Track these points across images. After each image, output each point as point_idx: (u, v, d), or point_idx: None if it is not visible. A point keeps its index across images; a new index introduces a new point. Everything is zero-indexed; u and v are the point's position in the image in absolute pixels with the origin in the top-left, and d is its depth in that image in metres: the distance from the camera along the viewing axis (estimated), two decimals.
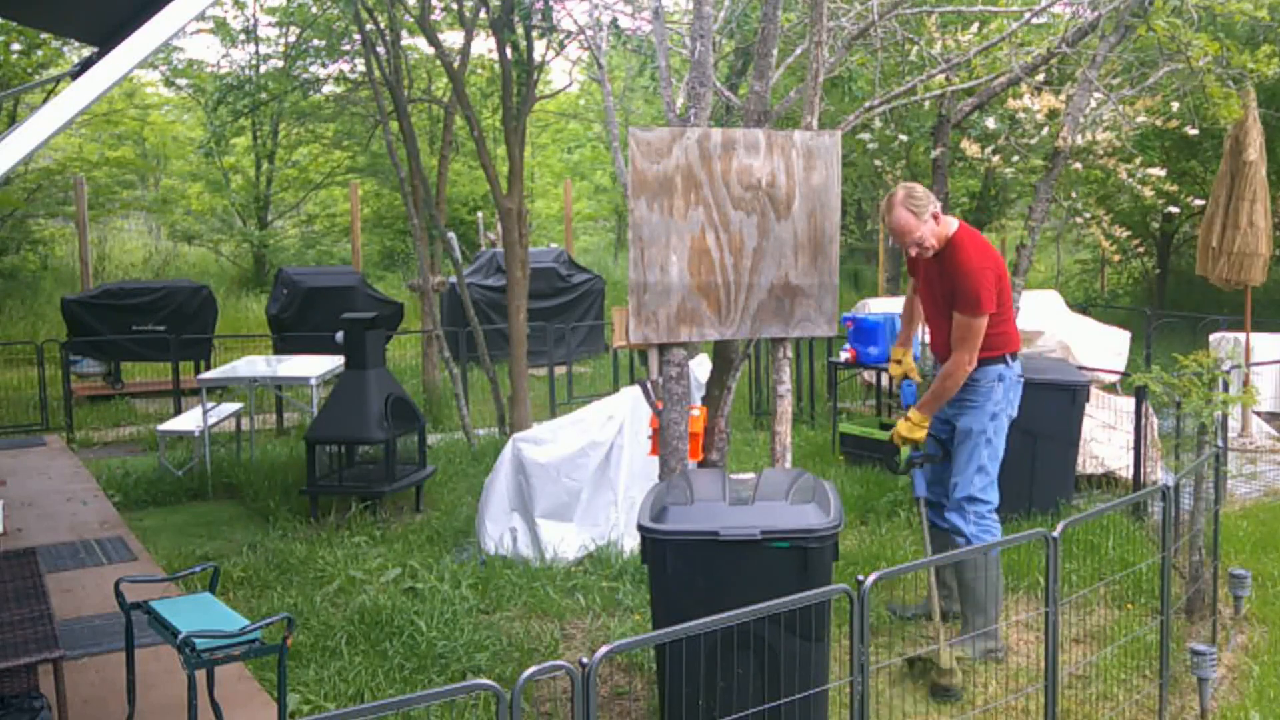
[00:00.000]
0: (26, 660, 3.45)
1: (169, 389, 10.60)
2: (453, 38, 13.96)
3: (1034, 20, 6.20)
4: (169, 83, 20.07)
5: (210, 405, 8.60)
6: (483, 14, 9.39)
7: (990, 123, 6.34)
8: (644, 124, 12.97)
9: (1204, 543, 5.14)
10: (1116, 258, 12.10)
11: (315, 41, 12.83)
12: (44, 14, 5.35)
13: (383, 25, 9.77)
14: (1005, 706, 4.43)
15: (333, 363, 8.54)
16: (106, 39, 3.99)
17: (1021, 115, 6.21)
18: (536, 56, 9.14)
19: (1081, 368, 7.61)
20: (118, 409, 10.99)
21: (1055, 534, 3.63)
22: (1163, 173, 6.78)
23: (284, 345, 11.24)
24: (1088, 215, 7.20)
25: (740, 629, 3.48)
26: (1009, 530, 6.31)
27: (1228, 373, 6.20)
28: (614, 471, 6.32)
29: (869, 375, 10.31)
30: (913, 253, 4.90)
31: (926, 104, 6.55)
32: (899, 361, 5.36)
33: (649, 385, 4.87)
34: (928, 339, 5.28)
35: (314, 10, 12.60)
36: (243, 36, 18.87)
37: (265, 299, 15.57)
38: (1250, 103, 7.93)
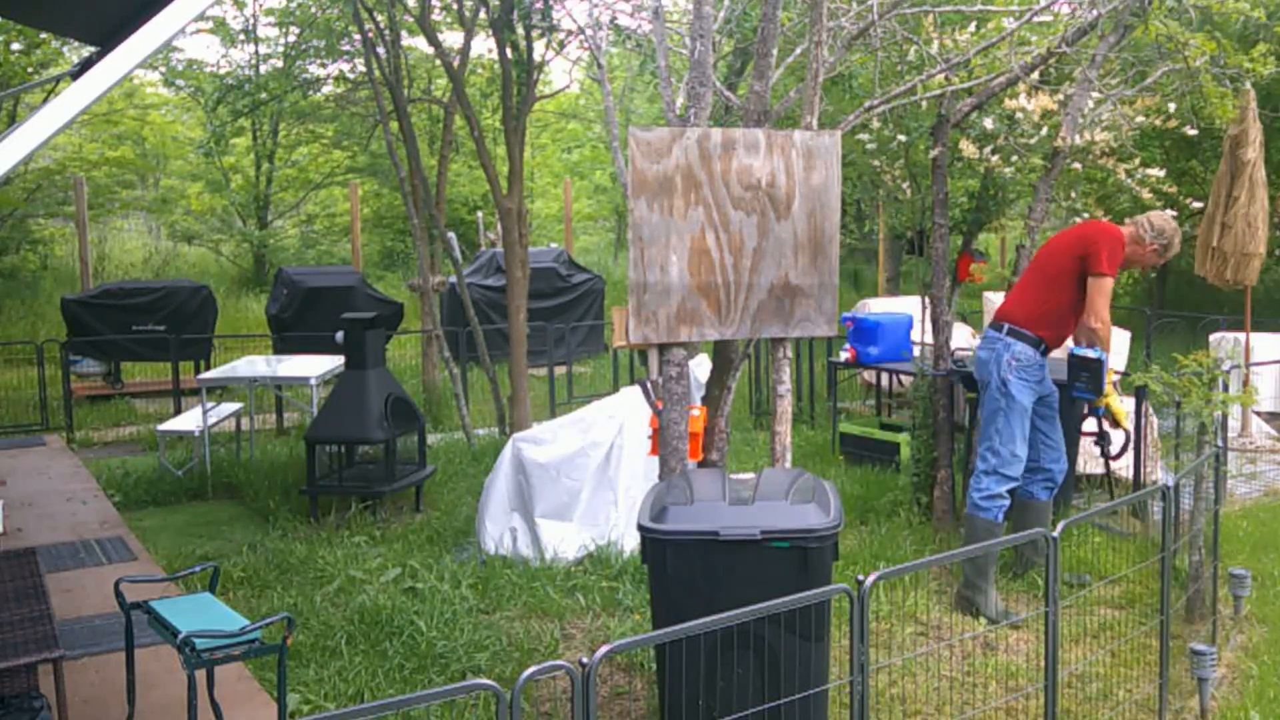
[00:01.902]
0: (26, 660, 3.45)
1: (169, 389, 10.60)
2: (453, 38, 13.98)
3: (1034, 19, 6.19)
4: (169, 83, 20.08)
5: (210, 405, 8.60)
6: (483, 14, 9.40)
7: (988, 123, 6.33)
8: (644, 124, 12.97)
9: (1204, 543, 5.15)
10: None
11: (315, 41, 12.83)
12: (44, 14, 5.36)
13: (383, 25, 9.77)
14: (1005, 706, 4.44)
15: (333, 363, 8.55)
16: (106, 39, 3.99)
17: (1020, 115, 6.20)
18: (536, 56, 9.14)
19: None
20: (118, 409, 10.99)
21: (1055, 534, 3.63)
22: (1162, 173, 6.78)
23: (284, 345, 11.24)
24: (1086, 215, 7.19)
25: (740, 629, 3.49)
26: (1009, 530, 6.32)
27: (1227, 373, 6.20)
28: (614, 471, 6.32)
29: (869, 375, 10.32)
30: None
31: (925, 104, 6.55)
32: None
33: (649, 385, 4.87)
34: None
35: (314, 10, 12.60)
36: (242, 36, 18.88)
37: (265, 299, 15.57)
38: (1249, 102, 7.93)
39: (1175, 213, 7.69)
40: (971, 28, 6.60)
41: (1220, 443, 5.88)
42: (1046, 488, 5.70)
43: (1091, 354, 5.35)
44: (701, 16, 4.71)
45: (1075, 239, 5.54)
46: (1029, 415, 5.50)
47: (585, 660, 2.63)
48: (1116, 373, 8.35)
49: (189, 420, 8.67)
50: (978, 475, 5.52)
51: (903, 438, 7.77)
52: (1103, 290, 5.34)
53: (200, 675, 3.77)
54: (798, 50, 6.07)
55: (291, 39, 16.25)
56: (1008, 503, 5.50)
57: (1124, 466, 7.12)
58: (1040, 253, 5.75)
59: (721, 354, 5.29)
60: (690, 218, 4.53)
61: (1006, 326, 5.53)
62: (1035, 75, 6.13)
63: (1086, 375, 5.38)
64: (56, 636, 3.59)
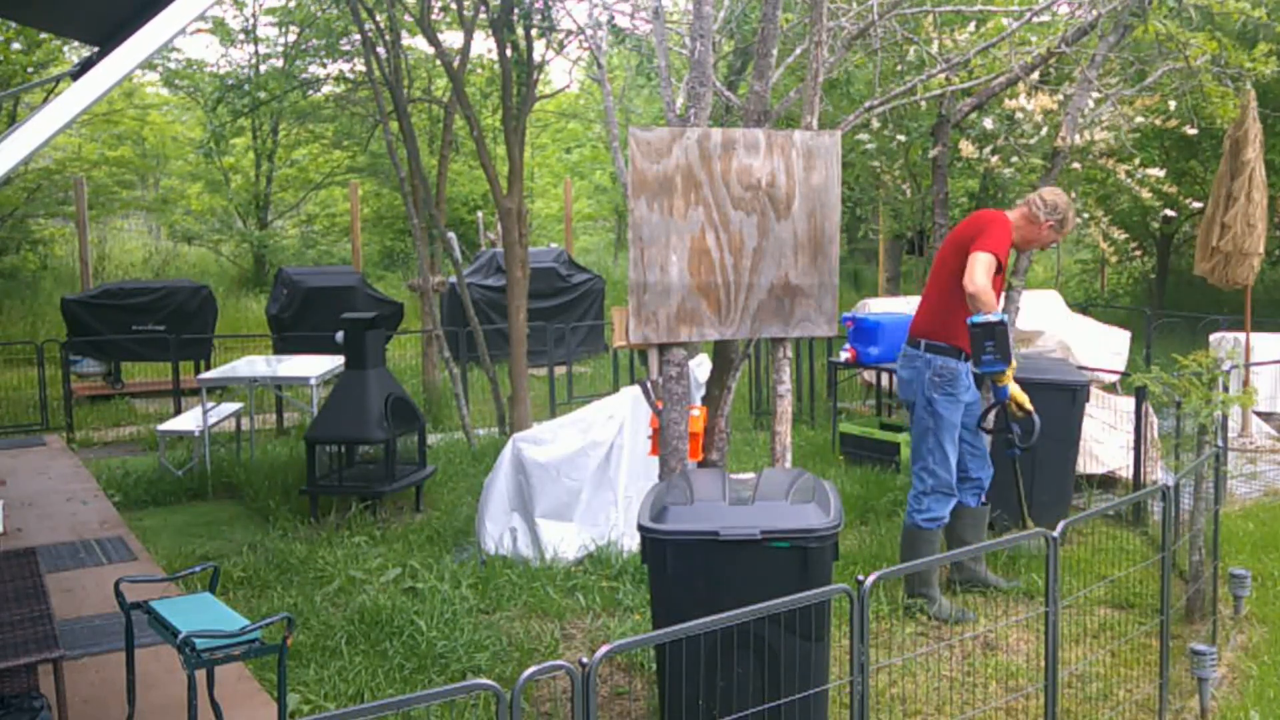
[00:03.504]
0: (26, 660, 3.45)
1: (169, 389, 10.60)
2: (453, 38, 13.97)
3: (1034, 19, 6.20)
4: (168, 83, 20.08)
5: (210, 405, 8.60)
6: (482, 14, 9.40)
7: (988, 123, 6.33)
8: (644, 124, 12.98)
9: (1204, 543, 5.15)
10: (1114, 259, 12.13)
11: (315, 41, 12.83)
12: (44, 14, 5.35)
13: (382, 25, 9.77)
14: (1005, 706, 4.44)
15: (333, 363, 8.54)
16: (106, 39, 3.99)
17: (1019, 115, 6.21)
18: (536, 56, 9.15)
19: (1081, 368, 7.62)
20: (118, 409, 10.99)
21: (1055, 534, 3.63)
22: (1162, 173, 6.78)
23: (284, 345, 11.24)
24: (1086, 216, 7.20)
25: (740, 629, 3.49)
26: (1008, 530, 6.33)
27: (1227, 373, 6.21)
28: (614, 471, 6.32)
29: (869, 375, 10.32)
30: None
31: (924, 104, 6.56)
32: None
33: (649, 385, 4.87)
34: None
35: (314, 10, 12.60)
36: (242, 36, 18.88)
37: (265, 299, 15.58)
38: (1250, 102, 7.93)
39: (1175, 212, 7.71)
40: (971, 28, 6.61)
41: (1220, 443, 5.87)
42: (975, 494, 5.64)
43: (992, 317, 4.96)
44: (701, 16, 4.71)
45: (960, 235, 5.34)
46: (958, 430, 5.40)
47: (585, 660, 2.63)
48: (1119, 373, 8.36)
49: (189, 420, 8.67)
50: (917, 495, 5.42)
51: (903, 438, 7.77)
52: (979, 260, 5.03)
53: (200, 675, 3.77)
54: (798, 50, 6.07)
55: (291, 39, 16.26)
56: (947, 517, 5.47)
57: (1124, 466, 7.13)
58: (935, 260, 5.57)
59: (721, 354, 5.29)
60: (690, 218, 4.53)
61: (924, 343, 5.37)
62: (1035, 75, 6.14)
63: (992, 343, 5.00)
64: (56, 636, 3.59)
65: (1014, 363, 5.10)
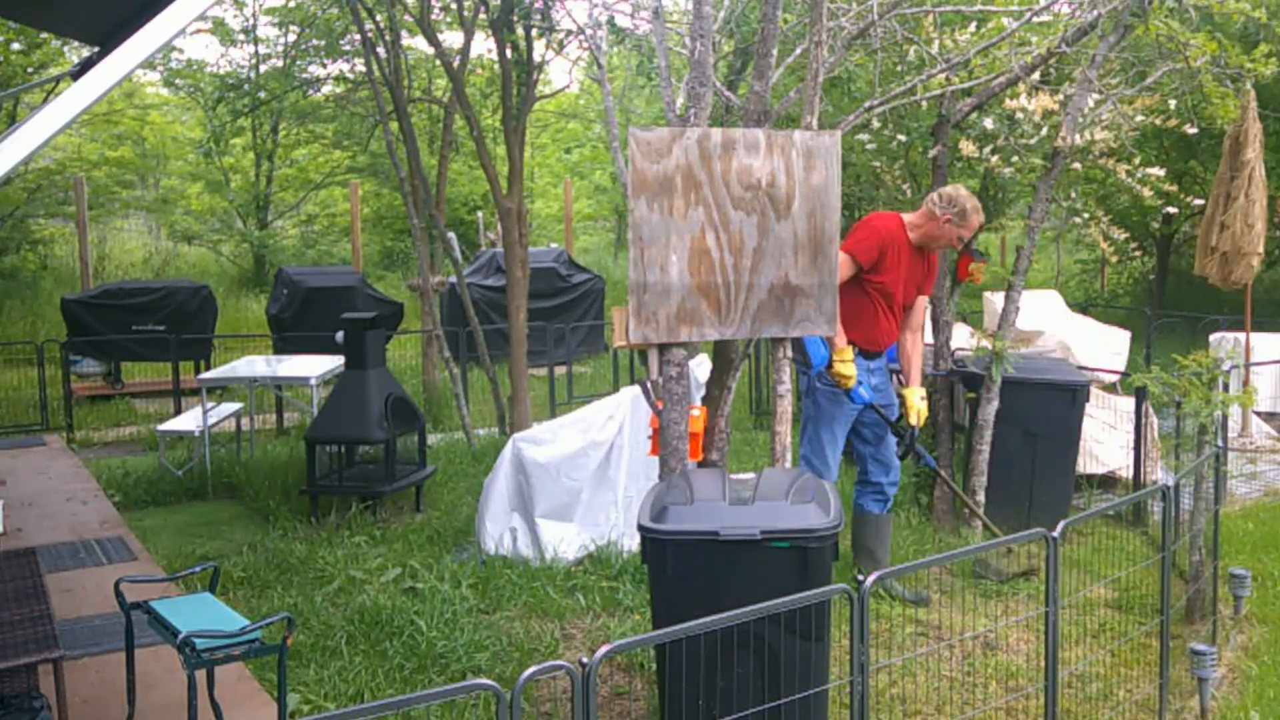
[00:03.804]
0: (26, 660, 3.45)
1: (169, 389, 10.60)
2: (453, 38, 13.98)
3: (1034, 19, 6.20)
4: (168, 83, 20.09)
5: (210, 405, 8.60)
6: (482, 14, 9.40)
7: (988, 123, 6.33)
8: (644, 124, 12.97)
9: (1204, 543, 5.15)
10: (1114, 259, 12.12)
11: (315, 41, 12.83)
12: (44, 14, 5.35)
13: (382, 25, 9.77)
14: (1005, 706, 4.44)
15: (333, 363, 8.55)
16: (106, 39, 3.99)
17: (1020, 115, 6.21)
18: (536, 56, 9.14)
19: (1081, 368, 7.62)
20: (118, 409, 10.99)
21: (1055, 534, 3.63)
22: (1162, 172, 6.78)
23: (284, 345, 11.24)
24: (1086, 216, 7.20)
25: (740, 629, 3.48)
26: (1009, 530, 6.32)
27: (1227, 373, 6.21)
28: (614, 471, 6.32)
29: None
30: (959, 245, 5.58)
31: (925, 104, 6.55)
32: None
33: (649, 385, 4.87)
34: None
35: (314, 10, 12.60)
36: (241, 36, 18.88)
37: (265, 299, 15.58)
38: (1250, 102, 7.93)
39: (1175, 210, 7.70)
40: (971, 28, 6.60)
41: (1220, 443, 5.87)
42: (878, 500, 5.66)
43: None
44: (701, 16, 4.71)
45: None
46: (840, 424, 5.44)
47: (585, 660, 2.63)
48: (1119, 373, 8.36)
49: (189, 420, 8.67)
50: None
51: None
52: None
53: (200, 675, 3.77)
54: (798, 50, 6.07)
55: (291, 39, 16.26)
56: (880, 503, 5.53)
57: (1124, 466, 7.13)
58: None
59: (721, 354, 5.29)
60: (690, 218, 4.53)
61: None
62: (1035, 75, 6.14)
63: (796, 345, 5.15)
64: (56, 636, 3.59)
65: (835, 365, 5.25)
